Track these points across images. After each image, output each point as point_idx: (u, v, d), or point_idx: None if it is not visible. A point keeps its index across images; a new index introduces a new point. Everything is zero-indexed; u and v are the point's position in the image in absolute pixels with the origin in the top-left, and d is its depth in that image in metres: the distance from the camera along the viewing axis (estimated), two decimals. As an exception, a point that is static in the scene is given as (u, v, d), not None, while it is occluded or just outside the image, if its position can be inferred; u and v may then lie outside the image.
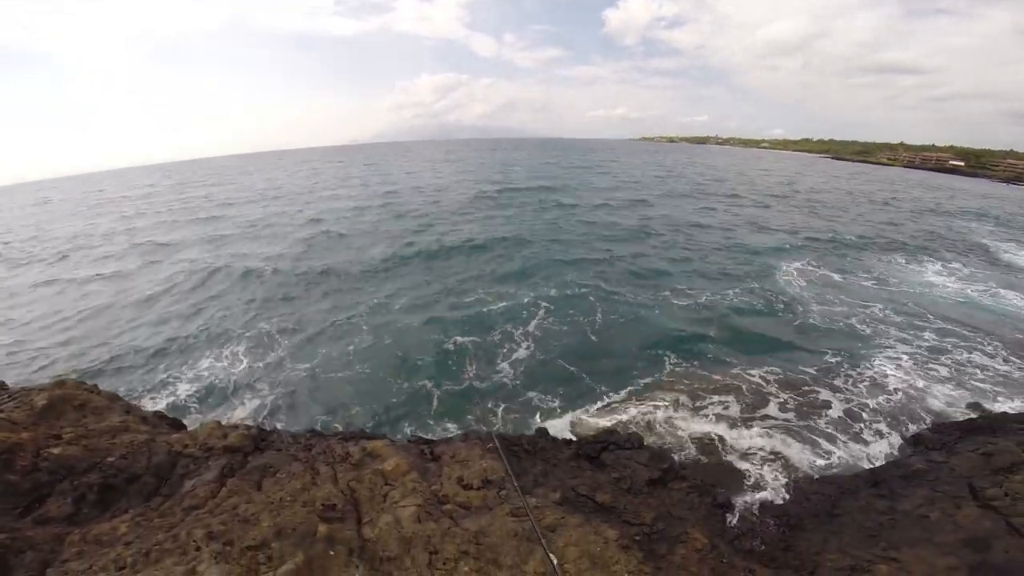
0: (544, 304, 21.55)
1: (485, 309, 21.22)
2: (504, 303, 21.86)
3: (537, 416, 13.56)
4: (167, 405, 14.72)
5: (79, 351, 19.16)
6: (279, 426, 12.48)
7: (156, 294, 25.31)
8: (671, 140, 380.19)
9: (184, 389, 15.77)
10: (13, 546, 4.29)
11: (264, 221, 43.02)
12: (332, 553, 5.37)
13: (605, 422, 12.55)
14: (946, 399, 13.57)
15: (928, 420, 11.59)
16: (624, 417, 12.75)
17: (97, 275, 29.75)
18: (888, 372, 15.33)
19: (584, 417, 13.22)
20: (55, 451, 5.85)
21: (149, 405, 13.99)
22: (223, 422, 8.81)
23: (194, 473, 6.51)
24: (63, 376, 10.04)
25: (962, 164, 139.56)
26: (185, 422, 10.11)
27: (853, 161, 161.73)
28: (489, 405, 14.21)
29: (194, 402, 15.06)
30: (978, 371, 15.39)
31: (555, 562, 2.73)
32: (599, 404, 13.91)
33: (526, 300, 21.93)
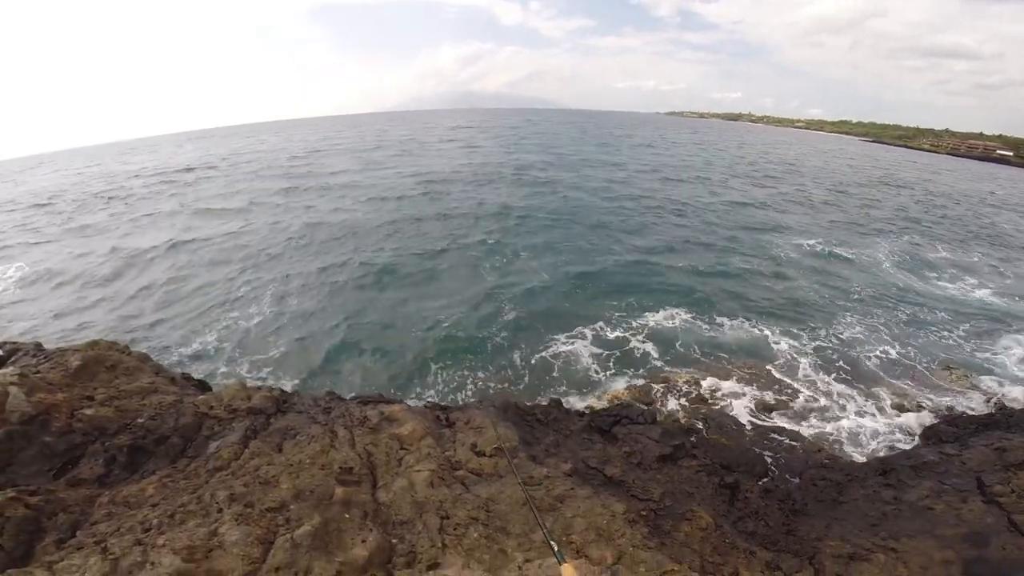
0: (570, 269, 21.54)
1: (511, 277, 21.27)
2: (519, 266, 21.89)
3: (552, 384, 13.73)
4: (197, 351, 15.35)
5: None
6: (300, 388, 12.91)
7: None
8: (701, 116, 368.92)
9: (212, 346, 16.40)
10: (46, 508, 4.58)
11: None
12: (347, 516, 5.55)
13: (619, 395, 12.67)
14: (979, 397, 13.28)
15: (947, 413, 11.41)
16: (639, 391, 12.85)
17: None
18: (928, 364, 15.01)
19: (598, 388, 13.36)
20: (88, 412, 6.15)
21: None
22: (247, 383, 9.06)
23: (219, 435, 6.77)
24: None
25: (1011, 154, 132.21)
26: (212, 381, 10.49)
27: (895, 146, 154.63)
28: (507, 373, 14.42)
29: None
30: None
31: (555, 548, 2.78)
32: (615, 376, 14.01)
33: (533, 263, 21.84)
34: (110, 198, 43.36)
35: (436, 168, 51.61)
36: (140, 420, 6.43)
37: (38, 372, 6.74)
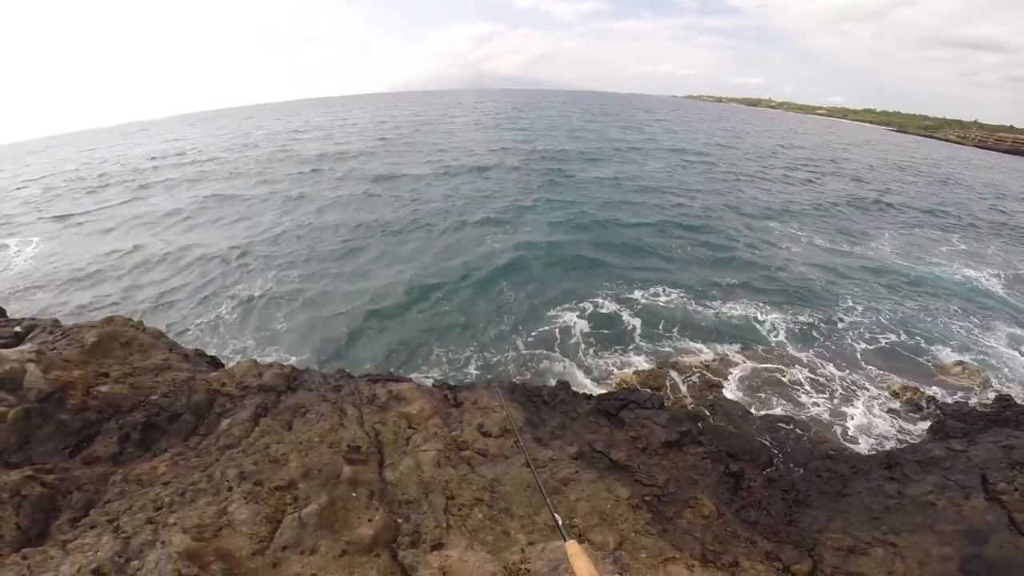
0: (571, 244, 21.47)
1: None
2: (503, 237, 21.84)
3: (556, 365, 13.79)
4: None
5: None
6: (306, 365, 13.08)
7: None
8: (719, 100, 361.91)
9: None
10: (62, 487, 4.71)
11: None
12: (354, 495, 5.64)
13: (626, 378, 12.69)
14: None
15: (956, 409, 11.25)
16: (647, 376, 12.86)
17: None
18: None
19: (604, 371, 13.39)
20: (103, 389, 6.27)
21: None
22: (258, 360, 9.16)
23: (230, 412, 6.87)
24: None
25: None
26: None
27: (920, 136, 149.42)
28: (514, 353, 14.48)
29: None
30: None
31: (560, 522, 2.80)
32: (622, 359, 14.04)
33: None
34: (124, 180, 43.62)
35: (456, 151, 50.94)
36: (154, 397, 6.55)
37: (55, 349, 6.88)
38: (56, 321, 8.19)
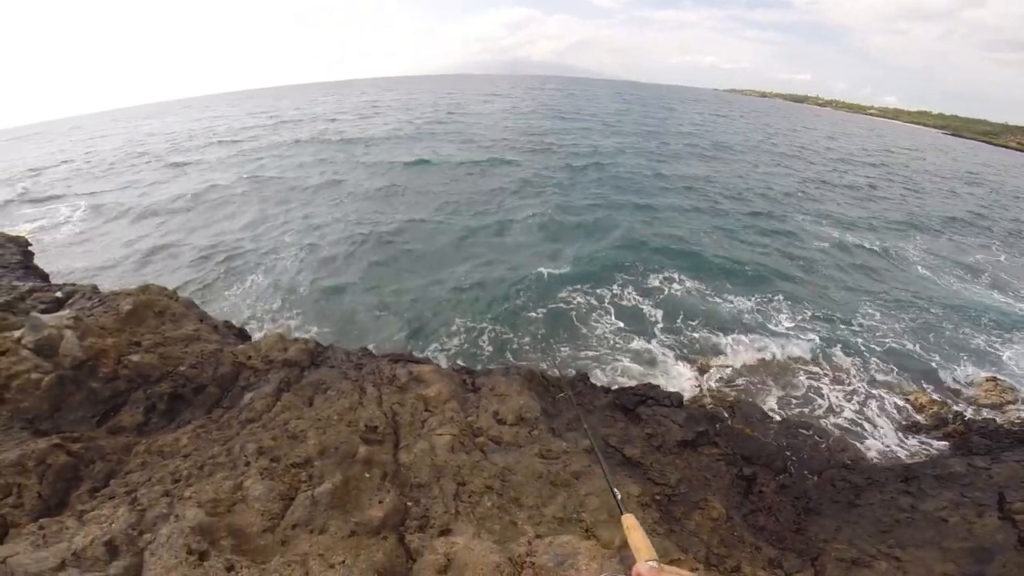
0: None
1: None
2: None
3: (580, 355, 13.71)
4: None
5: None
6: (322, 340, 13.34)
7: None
8: (763, 95, 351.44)
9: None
10: (86, 456, 4.90)
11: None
12: (368, 475, 5.73)
13: (646, 374, 12.57)
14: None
15: (983, 425, 10.78)
16: (668, 372, 12.71)
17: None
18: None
19: (627, 366, 13.29)
20: (134, 358, 6.48)
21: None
22: (284, 334, 9.34)
23: (254, 386, 7.04)
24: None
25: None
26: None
27: (978, 141, 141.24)
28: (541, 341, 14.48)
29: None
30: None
31: (619, 496, 2.77)
32: (644, 352, 13.89)
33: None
34: (165, 155, 44.65)
35: (489, 139, 50.06)
36: (182, 368, 6.75)
37: (91, 315, 7.14)
38: (95, 287, 8.49)
